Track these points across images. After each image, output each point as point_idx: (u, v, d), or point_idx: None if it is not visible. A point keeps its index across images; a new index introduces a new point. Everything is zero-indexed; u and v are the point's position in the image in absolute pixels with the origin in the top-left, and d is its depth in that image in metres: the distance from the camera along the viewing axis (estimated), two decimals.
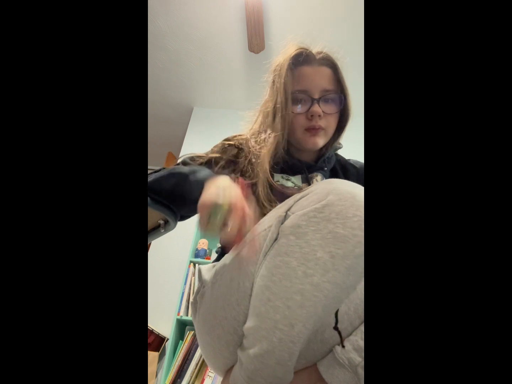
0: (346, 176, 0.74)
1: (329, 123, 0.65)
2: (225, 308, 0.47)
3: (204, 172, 0.55)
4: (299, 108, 0.64)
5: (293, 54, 0.65)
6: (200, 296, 0.54)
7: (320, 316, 0.39)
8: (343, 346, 0.40)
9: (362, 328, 0.40)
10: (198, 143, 2.43)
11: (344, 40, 1.95)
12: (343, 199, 0.38)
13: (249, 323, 0.43)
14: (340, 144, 0.73)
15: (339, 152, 0.78)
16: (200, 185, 0.49)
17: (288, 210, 0.43)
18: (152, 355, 1.56)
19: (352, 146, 1.17)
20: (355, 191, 0.39)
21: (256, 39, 1.82)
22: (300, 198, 0.43)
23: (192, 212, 0.56)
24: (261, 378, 0.40)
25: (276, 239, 0.42)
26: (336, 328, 0.42)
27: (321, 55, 0.66)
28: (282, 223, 0.42)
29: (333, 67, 0.66)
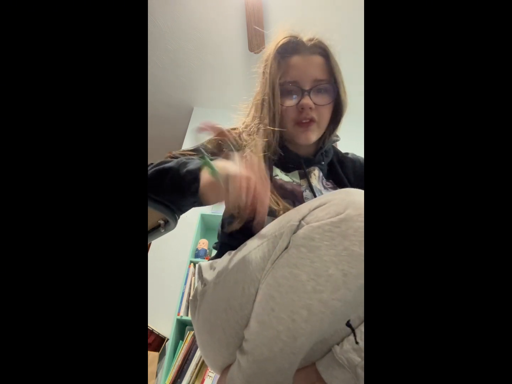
0: (343, 171, 0.71)
1: (322, 115, 0.62)
2: (227, 311, 0.46)
3: (194, 162, 0.52)
4: (291, 100, 0.61)
5: (281, 43, 0.62)
6: (200, 294, 0.53)
7: (326, 331, 0.39)
8: (357, 342, 0.39)
9: (361, 328, 0.40)
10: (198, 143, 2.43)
11: (345, 40, 1.95)
12: (363, 215, 0.36)
13: (251, 328, 0.42)
14: (337, 136, 0.70)
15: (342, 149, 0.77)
16: (193, 175, 0.47)
17: (302, 219, 0.40)
18: (152, 355, 1.56)
19: (350, 142, 1.16)
20: None
21: (256, 39, 1.82)
22: (316, 208, 0.40)
23: (191, 204, 0.53)
24: (260, 383, 0.39)
25: (286, 247, 0.40)
26: (349, 324, 0.40)
27: (312, 42, 0.62)
28: (294, 232, 0.40)
29: (325, 55, 0.62)
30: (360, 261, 0.35)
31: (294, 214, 0.43)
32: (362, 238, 0.35)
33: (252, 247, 0.46)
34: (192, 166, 0.49)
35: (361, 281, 0.35)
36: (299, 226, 0.40)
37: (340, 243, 0.35)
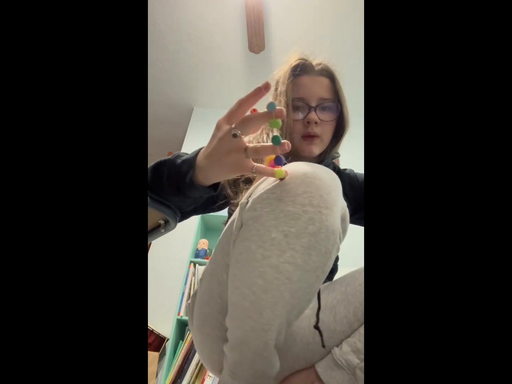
0: (342, 186, 0.74)
1: (325, 130, 0.68)
2: (209, 303, 0.47)
3: (189, 154, 0.51)
4: (297, 115, 0.67)
5: (293, 64, 0.69)
6: (193, 296, 0.55)
7: (290, 303, 0.38)
8: (324, 346, 0.41)
9: (361, 330, 0.40)
10: (198, 143, 2.41)
11: (344, 40, 1.95)
12: (294, 177, 0.38)
13: (228, 314, 0.43)
14: (337, 153, 0.76)
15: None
16: (189, 163, 0.47)
17: (249, 196, 0.42)
18: (152, 355, 1.56)
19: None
20: (307, 169, 0.38)
21: (256, 39, 1.82)
22: (259, 183, 0.42)
23: (192, 201, 0.53)
24: (242, 371, 0.39)
25: (241, 226, 0.41)
26: (317, 327, 0.41)
27: (320, 66, 0.70)
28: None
29: (331, 77, 0.70)
30: (295, 220, 0.36)
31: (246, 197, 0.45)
32: (294, 198, 0.37)
33: (221, 236, 0.48)
34: (188, 156, 0.50)
35: (303, 240, 0.36)
36: (247, 203, 0.42)
37: (277, 207, 0.37)
